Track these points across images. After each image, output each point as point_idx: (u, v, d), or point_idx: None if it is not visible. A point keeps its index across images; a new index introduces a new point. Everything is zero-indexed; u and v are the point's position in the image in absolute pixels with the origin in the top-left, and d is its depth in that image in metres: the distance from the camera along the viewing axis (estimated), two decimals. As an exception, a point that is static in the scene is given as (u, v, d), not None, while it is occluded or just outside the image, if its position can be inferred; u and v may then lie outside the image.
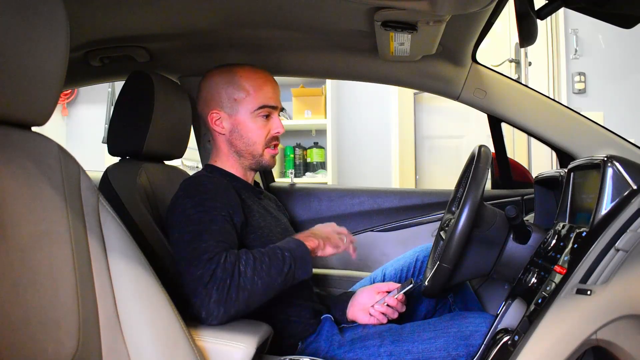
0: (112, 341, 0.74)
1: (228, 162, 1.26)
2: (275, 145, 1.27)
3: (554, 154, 1.58)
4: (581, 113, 1.48)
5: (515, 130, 1.62)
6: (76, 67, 1.46)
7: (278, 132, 1.24)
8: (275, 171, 2.58)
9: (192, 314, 0.95)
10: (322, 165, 3.29)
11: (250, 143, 1.23)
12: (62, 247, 0.70)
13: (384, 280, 1.41)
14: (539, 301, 0.90)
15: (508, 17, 2.91)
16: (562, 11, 2.96)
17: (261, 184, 1.47)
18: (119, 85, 1.33)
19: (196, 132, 1.73)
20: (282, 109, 1.29)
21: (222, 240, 1.02)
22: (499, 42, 3.24)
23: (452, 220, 1.09)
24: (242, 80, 1.22)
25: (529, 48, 3.06)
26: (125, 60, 1.45)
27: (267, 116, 1.23)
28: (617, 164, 0.90)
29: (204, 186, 1.12)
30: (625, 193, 0.88)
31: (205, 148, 1.74)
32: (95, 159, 2.31)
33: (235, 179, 1.24)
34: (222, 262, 0.96)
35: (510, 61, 3.20)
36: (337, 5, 1.09)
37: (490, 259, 1.13)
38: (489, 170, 1.12)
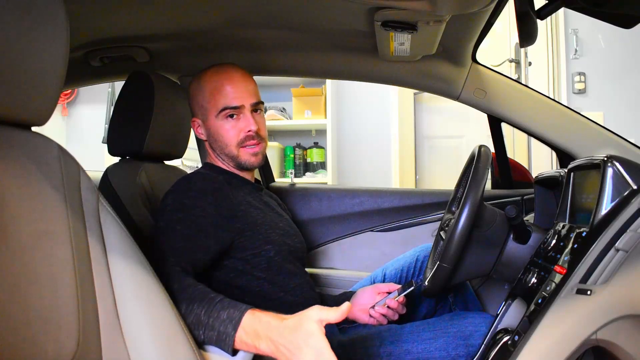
0: (112, 341, 0.74)
1: (219, 163, 1.27)
2: (257, 144, 1.22)
3: (554, 154, 1.58)
4: (581, 113, 1.48)
5: (515, 130, 1.62)
6: (76, 67, 1.46)
7: (250, 131, 1.20)
8: (275, 171, 2.58)
9: None
10: (322, 165, 3.29)
11: (224, 145, 1.22)
12: (62, 247, 0.70)
13: (384, 281, 1.41)
14: (539, 301, 0.90)
15: (508, 17, 2.90)
16: (562, 11, 2.96)
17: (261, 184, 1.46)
18: (119, 85, 1.33)
19: (196, 132, 1.72)
20: (259, 102, 1.23)
21: (185, 260, 0.98)
22: (499, 42, 3.24)
23: (452, 220, 1.09)
24: (205, 84, 1.22)
25: (529, 48, 3.07)
26: (125, 60, 1.45)
27: (234, 116, 1.20)
28: (617, 164, 0.90)
29: (193, 184, 1.11)
30: (625, 193, 0.87)
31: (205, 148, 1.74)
32: (95, 159, 2.31)
33: (234, 177, 1.24)
34: (177, 290, 0.90)
35: (510, 61, 3.20)
36: (337, 5, 1.09)
37: (490, 259, 1.13)
38: (489, 170, 1.12)
